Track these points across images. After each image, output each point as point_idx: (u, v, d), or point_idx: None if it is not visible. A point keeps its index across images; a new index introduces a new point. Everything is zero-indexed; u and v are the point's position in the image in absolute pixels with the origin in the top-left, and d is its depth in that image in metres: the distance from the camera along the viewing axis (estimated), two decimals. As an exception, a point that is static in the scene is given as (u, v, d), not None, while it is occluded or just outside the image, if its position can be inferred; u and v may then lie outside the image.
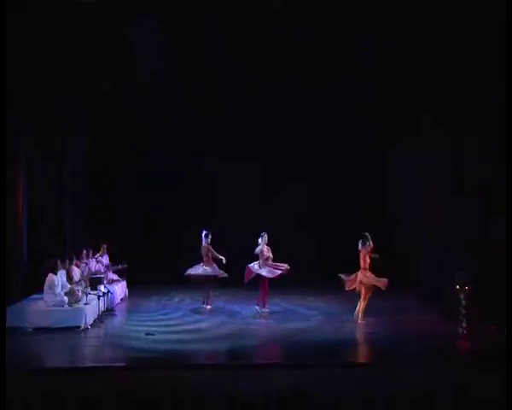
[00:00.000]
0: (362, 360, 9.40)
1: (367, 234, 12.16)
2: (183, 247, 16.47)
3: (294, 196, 16.56)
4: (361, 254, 12.03)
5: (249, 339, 10.83)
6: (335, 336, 11.11)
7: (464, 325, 10.67)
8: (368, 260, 12.04)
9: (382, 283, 11.92)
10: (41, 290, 11.72)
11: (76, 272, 12.77)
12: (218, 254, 13.37)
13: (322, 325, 11.81)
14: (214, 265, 13.38)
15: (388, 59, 13.25)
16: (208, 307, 13.32)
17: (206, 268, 13.27)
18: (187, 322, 12.16)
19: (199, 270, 13.32)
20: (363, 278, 11.92)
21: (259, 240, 13.05)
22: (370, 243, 12.09)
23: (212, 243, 13.60)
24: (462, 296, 10.76)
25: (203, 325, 11.91)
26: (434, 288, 13.25)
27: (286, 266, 13.00)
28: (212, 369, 8.77)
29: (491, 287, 10.79)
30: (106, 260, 14.60)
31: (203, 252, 13.43)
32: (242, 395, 7.02)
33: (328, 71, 14.06)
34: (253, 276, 13.07)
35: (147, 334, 10.80)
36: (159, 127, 16.19)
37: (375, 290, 12.06)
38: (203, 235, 13.51)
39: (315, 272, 15.42)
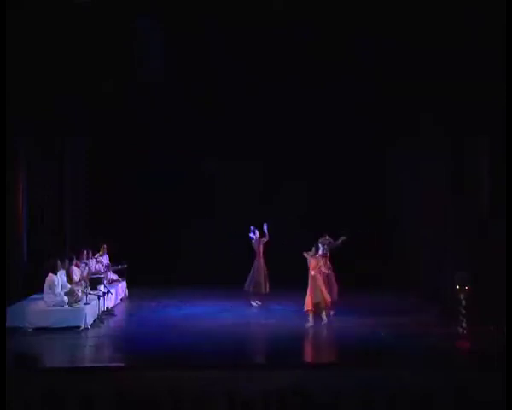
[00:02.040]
0: (361, 359, 9.39)
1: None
2: (183, 247, 16.51)
3: (294, 195, 16.57)
4: (312, 261, 11.90)
5: (250, 339, 10.84)
6: (335, 336, 11.13)
7: (464, 325, 10.66)
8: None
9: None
10: (41, 290, 11.72)
11: (76, 272, 12.77)
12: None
13: (323, 325, 11.80)
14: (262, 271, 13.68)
15: (388, 59, 13.24)
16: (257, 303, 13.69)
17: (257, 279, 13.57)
18: (187, 322, 12.14)
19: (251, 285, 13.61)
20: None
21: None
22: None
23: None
24: (462, 296, 10.76)
25: (204, 325, 11.90)
26: (434, 288, 13.25)
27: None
28: (212, 369, 8.76)
29: (491, 287, 10.79)
30: (106, 260, 14.60)
31: (255, 246, 13.73)
32: (242, 395, 7.02)
33: (328, 71, 14.05)
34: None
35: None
36: (159, 127, 16.17)
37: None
38: (252, 230, 13.71)
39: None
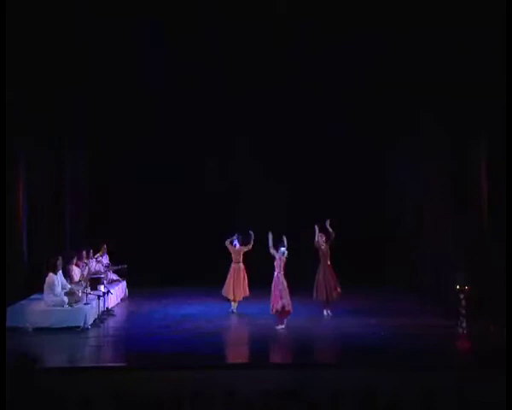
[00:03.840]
0: (361, 359, 9.38)
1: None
2: (183, 247, 16.49)
3: (294, 196, 16.56)
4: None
5: (250, 339, 10.84)
6: (335, 336, 11.13)
7: (464, 325, 10.66)
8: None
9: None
10: (41, 290, 11.72)
11: (76, 272, 12.77)
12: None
13: (323, 326, 11.81)
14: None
15: (388, 59, 13.26)
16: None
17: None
18: (187, 322, 12.14)
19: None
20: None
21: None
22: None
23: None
24: (462, 296, 10.75)
25: (204, 325, 11.89)
26: (434, 288, 13.24)
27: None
28: (212, 369, 8.76)
29: (491, 287, 10.79)
30: (106, 260, 14.59)
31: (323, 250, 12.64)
32: (242, 395, 7.01)
33: (329, 71, 14.07)
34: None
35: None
36: (159, 127, 16.20)
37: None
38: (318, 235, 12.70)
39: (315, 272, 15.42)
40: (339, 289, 12.42)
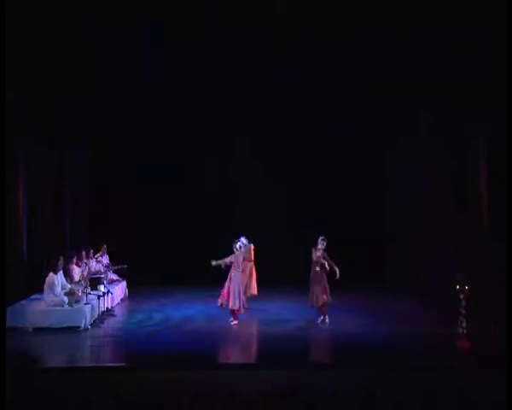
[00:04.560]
0: (361, 359, 9.39)
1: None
2: (184, 247, 16.50)
3: (294, 196, 16.56)
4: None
5: (250, 339, 10.83)
6: (335, 336, 11.13)
7: (464, 325, 10.67)
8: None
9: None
10: (41, 290, 11.72)
11: (76, 272, 12.77)
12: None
13: (323, 326, 11.80)
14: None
15: (388, 59, 13.26)
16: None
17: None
18: (187, 322, 12.15)
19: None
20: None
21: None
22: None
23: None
24: (462, 296, 10.75)
25: (203, 325, 11.90)
26: (434, 289, 13.23)
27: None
28: (212, 369, 8.77)
29: (491, 287, 10.79)
30: (106, 260, 14.59)
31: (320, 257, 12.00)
32: (242, 395, 7.01)
33: (328, 71, 14.07)
34: None
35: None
36: (159, 127, 16.20)
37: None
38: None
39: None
40: (325, 297, 11.75)
